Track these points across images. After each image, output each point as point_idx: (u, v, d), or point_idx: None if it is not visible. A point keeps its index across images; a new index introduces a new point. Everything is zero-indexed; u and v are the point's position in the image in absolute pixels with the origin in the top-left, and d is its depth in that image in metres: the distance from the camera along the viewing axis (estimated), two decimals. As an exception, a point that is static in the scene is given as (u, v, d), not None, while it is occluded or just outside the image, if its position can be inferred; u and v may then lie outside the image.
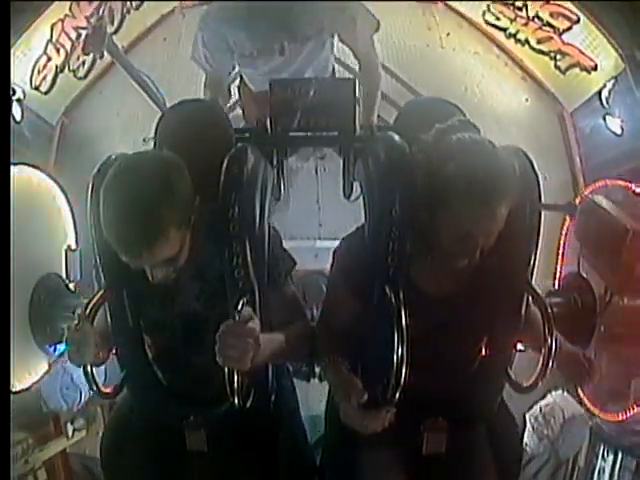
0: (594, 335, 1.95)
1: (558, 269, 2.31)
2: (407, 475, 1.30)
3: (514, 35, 3.12)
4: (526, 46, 3.08)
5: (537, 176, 1.21)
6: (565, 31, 2.84)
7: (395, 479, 1.30)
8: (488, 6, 3.13)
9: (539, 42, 3.01)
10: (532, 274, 1.25)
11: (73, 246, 2.10)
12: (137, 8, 3.19)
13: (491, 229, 1.09)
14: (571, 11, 2.76)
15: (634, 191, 1.95)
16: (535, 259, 1.24)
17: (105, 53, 2.93)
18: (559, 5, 2.81)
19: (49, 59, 2.83)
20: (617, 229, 1.86)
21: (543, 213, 1.24)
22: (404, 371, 1.10)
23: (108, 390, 1.27)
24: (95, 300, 1.21)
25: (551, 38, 2.93)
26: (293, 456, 1.47)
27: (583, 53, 2.78)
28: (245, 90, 2.12)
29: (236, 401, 1.12)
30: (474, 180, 1.03)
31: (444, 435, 1.31)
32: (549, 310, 1.22)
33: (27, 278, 1.88)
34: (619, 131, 2.56)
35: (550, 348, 1.18)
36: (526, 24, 3.01)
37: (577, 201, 2.20)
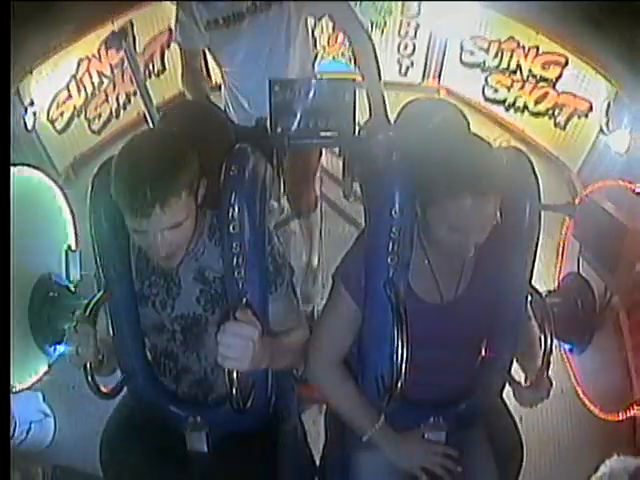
0: (594, 335, 1.95)
1: (558, 269, 2.30)
2: (407, 475, 1.30)
3: (513, 104, 3.24)
4: (525, 112, 3.18)
5: (536, 176, 1.21)
6: (558, 79, 2.96)
7: (395, 479, 1.30)
8: (486, 79, 3.26)
9: (537, 103, 3.11)
10: (532, 274, 1.25)
11: (73, 246, 2.10)
12: (158, 75, 3.17)
13: (481, 223, 1.09)
14: (559, 54, 2.89)
15: (634, 191, 1.95)
16: (535, 259, 1.24)
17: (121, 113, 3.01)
18: (548, 53, 2.94)
19: (70, 96, 2.81)
20: (617, 229, 1.85)
21: (543, 213, 1.24)
22: (404, 371, 1.10)
23: (108, 390, 1.27)
24: (95, 300, 1.21)
25: (547, 94, 3.05)
26: (293, 456, 1.47)
27: (576, 96, 2.87)
28: None
29: (236, 402, 1.12)
30: (462, 172, 1.04)
31: (444, 435, 1.31)
32: (549, 310, 1.22)
33: (27, 278, 1.88)
34: (624, 149, 2.48)
35: (550, 348, 1.18)
36: (522, 87, 3.14)
37: (577, 201, 2.20)
